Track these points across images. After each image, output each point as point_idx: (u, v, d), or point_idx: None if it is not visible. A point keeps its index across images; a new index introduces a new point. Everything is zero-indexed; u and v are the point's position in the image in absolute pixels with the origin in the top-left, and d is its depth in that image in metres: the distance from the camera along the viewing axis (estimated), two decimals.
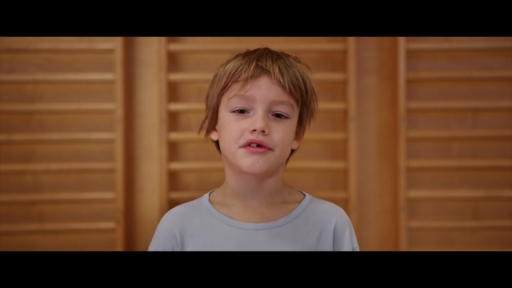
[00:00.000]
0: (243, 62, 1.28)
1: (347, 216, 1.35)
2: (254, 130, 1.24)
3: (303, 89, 1.31)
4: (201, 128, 1.38)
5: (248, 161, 1.25)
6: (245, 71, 1.27)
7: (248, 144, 1.25)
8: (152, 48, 2.67)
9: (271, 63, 1.28)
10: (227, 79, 1.28)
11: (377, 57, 2.69)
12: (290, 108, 1.28)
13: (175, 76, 2.64)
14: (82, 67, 2.66)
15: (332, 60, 2.70)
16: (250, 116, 1.26)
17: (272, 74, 1.26)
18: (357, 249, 1.33)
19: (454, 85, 2.67)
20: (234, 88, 1.27)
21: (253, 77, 1.26)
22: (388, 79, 2.67)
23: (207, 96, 1.35)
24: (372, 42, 2.68)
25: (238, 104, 1.27)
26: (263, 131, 1.24)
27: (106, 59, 2.64)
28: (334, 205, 1.36)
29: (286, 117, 1.28)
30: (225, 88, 1.29)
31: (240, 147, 1.26)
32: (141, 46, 2.68)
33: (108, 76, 2.61)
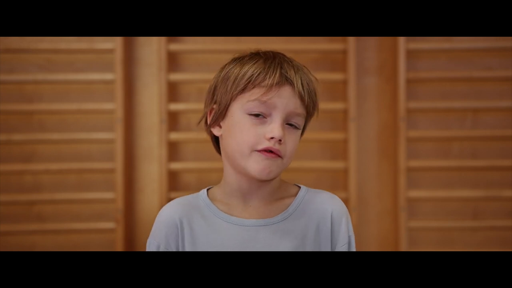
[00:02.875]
0: (265, 67, 1.28)
1: (343, 204, 1.37)
2: (272, 138, 1.25)
3: (315, 101, 1.34)
4: (200, 121, 1.38)
5: (261, 165, 1.26)
6: (269, 77, 1.27)
7: (265, 150, 1.26)
8: (152, 48, 2.68)
9: (294, 73, 1.29)
10: (248, 81, 1.28)
11: (377, 57, 2.69)
12: (302, 120, 1.32)
13: (175, 76, 2.64)
14: (82, 67, 2.66)
15: (332, 60, 2.70)
16: (267, 122, 1.27)
17: (295, 85, 1.28)
18: (353, 237, 1.35)
19: (454, 85, 2.67)
20: (256, 92, 1.27)
21: (278, 85, 1.27)
22: (388, 79, 2.67)
23: (214, 90, 1.33)
24: (372, 42, 2.68)
25: (258, 108, 1.27)
26: (279, 140, 1.25)
27: (106, 59, 2.64)
28: (330, 194, 1.38)
29: (297, 128, 1.30)
30: (244, 90, 1.28)
31: (254, 151, 1.26)
32: (141, 46, 2.68)
33: (108, 76, 2.61)
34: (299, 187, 1.39)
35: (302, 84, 1.29)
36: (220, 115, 1.32)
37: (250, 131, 1.27)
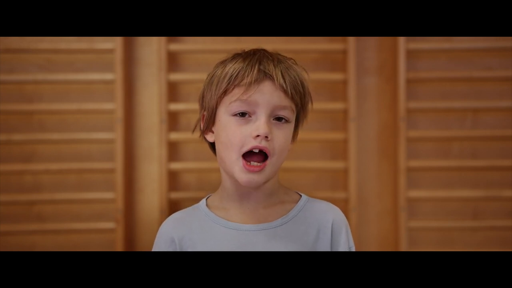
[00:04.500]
0: (244, 66, 1.27)
1: (343, 215, 1.36)
2: (258, 136, 1.24)
3: (302, 92, 1.31)
4: (195, 129, 1.38)
5: (244, 177, 1.26)
6: (247, 75, 1.26)
7: (250, 150, 1.25)
8: (152, 48, 2.68)
9: (273, 67, 1.27)
10: (228, 83, 1.27)
11: (377, 57, 2.69)
12: (290, 112, 1.29)
13: (175, 76, 2.64)
14: (82, 67, 2.66)
15: (332, 60, 2.70)
16: (252, 121, 1.26)
17: (275, 79, 1.26)
18: (353, 248, 1.35)
19: (454, 85, 2.67)
20: (237, 93, 1.26)
21: (256, 81, 1.26)
22: (388, 79, 2.67)
23: (202, 97, 1.34)
24: (372, 42, 2.68)
25: (240, 108, 1.26)
26: (266, 137, 1.24)
27: (106, 59, 2.64)
28: (331, 204, 1.37)
29: (286, 121, 1.28)
30: (226, 92, 1.28)
31: (240, 156, 1.25)
32: (141, 46, 2.68)
33: (108, 76, 2.61)
34: (300, 195, 1.37)
35: (283, 76, 1.26)
36: (210, 120, 1.32)
37: (236, 132, 1.25)
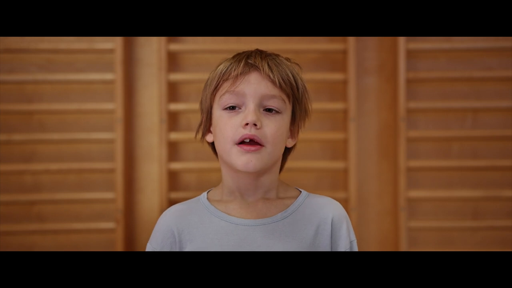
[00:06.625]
0: (232, 62, 1.32)
1: (344, 209, 1.37)
2: (247, 124, 1.26)
3: (294, 84, 1.33)
4: (197, 132, 1.41)
5: (242, 160, 1.27)
6: (235, 69, 1.30)
7: (242, 141, 1.27)
8: (152, 48, 2.68)
9: (260, 59, 1.31)
10: (218, 79, 1.32)
11: (377, 57, 2.69)
12: (281, 102, 1.31)
13: (175, 76, 2.64)
14: (82, 67, 2.66)
15: (332, 60, 2.70)
16: (242, 112, 1.29)
17: (262, 69, 1.29)
18: (355, 242, 1.35)
19: (454, 85, 2.67)
20: (225, 86, 1.30)
21: (243, 73, 1.30)
22: (388, 79, 2.67)
23: (201, 101, 1.38)
24: (372, 42, 2.68)
25: (230, 100, 1.30)
26: (255, 125, 1.26)
27: (106, 59, 2.64)
28: (330, 199, 1.38)
29: (277, 112, 1.30)
30: (216, 88, 1.32)
31: (234, 144, 1.27)
32: (141, 46, 2.68)
33: (108, 76, 2.61)
34: (300, 191, 1.39)
35: (269, 66, 1.30)
36: (207, 121, 1.36)
37: (227, 124, 1.29)
